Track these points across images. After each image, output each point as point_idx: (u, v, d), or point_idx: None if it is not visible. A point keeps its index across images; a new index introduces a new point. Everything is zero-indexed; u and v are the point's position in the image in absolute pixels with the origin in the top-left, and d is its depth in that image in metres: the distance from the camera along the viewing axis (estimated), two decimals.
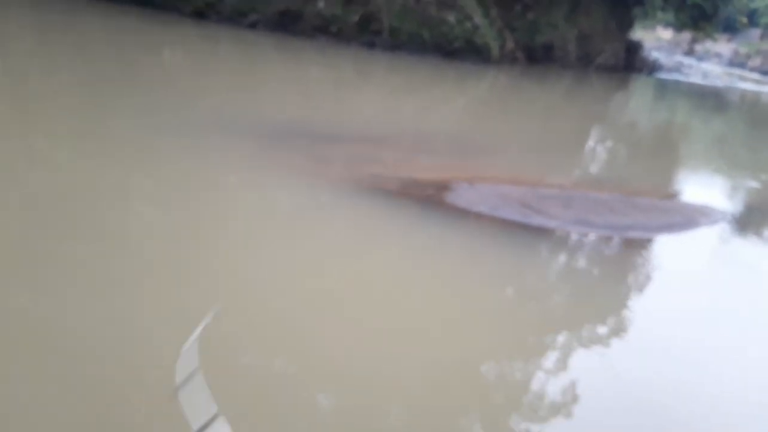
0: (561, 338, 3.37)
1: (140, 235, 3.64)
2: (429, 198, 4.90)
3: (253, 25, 13.43)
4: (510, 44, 15.53)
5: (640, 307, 3.95)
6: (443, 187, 5.06)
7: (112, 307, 2.84)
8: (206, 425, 1.11)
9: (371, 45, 13.86)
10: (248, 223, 4.12)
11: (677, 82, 19.65)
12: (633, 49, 19.74)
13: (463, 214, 4.67)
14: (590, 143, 9.25)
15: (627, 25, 19.69)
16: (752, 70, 29.28)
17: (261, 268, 3.43)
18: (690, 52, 27.39)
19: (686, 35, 24.88)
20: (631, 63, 19.20)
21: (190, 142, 5.35)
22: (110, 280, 3.07)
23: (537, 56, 16.15)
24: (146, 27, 11.51)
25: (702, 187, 7.34)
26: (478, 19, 14.58)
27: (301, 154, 5.52)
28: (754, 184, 7.99)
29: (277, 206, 4.52)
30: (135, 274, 3.16)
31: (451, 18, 14.35)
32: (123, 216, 3.84)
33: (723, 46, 32.48)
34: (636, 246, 4.89)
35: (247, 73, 9.72)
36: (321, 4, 13.67)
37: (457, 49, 14.46)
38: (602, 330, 3.55)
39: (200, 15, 13.14)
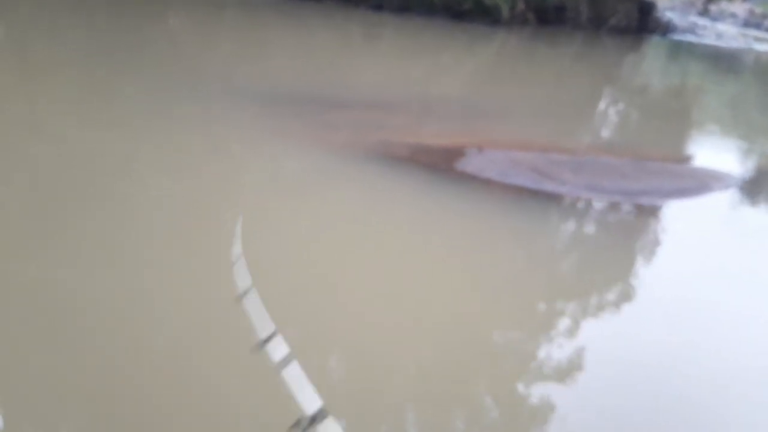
0: (572, 303, 3.37)
1: (145, 201, 3.64)
2: (438, 164, 4.85)
3: None
4: (520, 5, 15.16)
5: (652, 272, 3.94)
6: (453, 153, 5.01)
7: (121, 275, 2.85)
8: (268, 339, 1.17)
9: (379, 7, 13.57)
10: (255, 190, 4.11)
11: (691, 44, 19.21)
12: (646, 9, 19.19)
13: (472, 180, 4.64)
14: (602, 107, 9.11)
15: None
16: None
17: (267, 234, 3.42)
18: (704, 13, 26.71)
19: None
20: (644, 24, 18.70)
21: (195, 108, 5.31)
22: (119, 247, 3.08)
23: (548, 18, 15.79)
24: None
25: (715, 152, 7.23)
26: None
27: (308, 120, 5.47)
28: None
29: (284, 173, 4.50)
30: (142, 241, 3.17)
31: None
32: (130, 182, 3.84)
33: (738, 6, 31.61)
34: (648, 211, 4.84)
35: (253, 38, 9.59)
36: None
37: (466, 11, 14.15)
38: (613, 295, 3.55)
39: None
